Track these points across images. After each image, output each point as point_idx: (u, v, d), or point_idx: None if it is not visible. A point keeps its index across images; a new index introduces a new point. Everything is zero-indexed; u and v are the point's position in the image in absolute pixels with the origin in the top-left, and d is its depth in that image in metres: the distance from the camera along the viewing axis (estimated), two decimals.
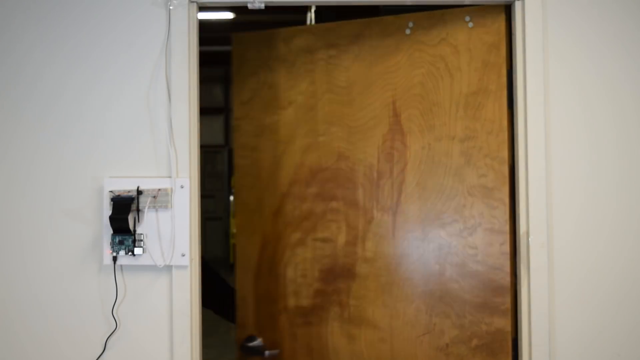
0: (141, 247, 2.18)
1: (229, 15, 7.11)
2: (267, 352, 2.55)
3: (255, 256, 2.63)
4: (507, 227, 2.24)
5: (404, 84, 2.38)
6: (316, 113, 2.52)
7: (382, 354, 2.41)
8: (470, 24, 2.29)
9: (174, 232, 2.18)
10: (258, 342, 2.60)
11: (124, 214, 2.14)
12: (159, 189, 2.18)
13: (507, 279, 2.24)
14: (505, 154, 2.24)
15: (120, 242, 2.17)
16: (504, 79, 2.24)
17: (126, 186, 2.18)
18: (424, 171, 2.36)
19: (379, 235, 2.42)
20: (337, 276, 2.49)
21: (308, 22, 5.74)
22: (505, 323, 2.24)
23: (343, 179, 2.48)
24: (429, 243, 2.35)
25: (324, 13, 4.73)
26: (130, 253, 2.17)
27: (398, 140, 2.39)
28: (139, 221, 2.18)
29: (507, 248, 2.24)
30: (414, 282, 2.37)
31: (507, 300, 2.23)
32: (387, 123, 2.41)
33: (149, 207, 2.18)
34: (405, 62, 2.38)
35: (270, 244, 2.59)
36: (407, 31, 2.38)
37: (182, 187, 2.18)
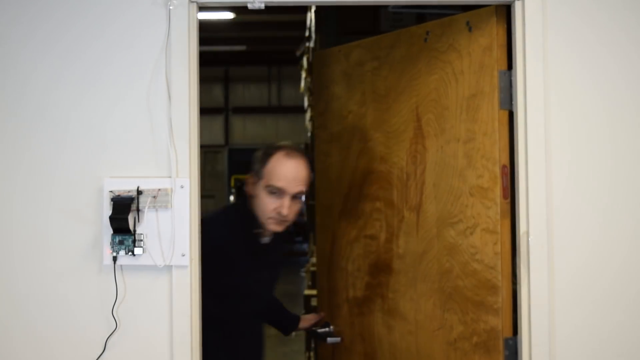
0: (141, 247, 2.18)
1: (229, 15, 7.11)
2: (328, 339, 2.81)
3: (327, 251, 2.93)
4: (499, 227, 2.25)
5: (424, 90, 2.50)
6: (366, 121, 2.73)
7: (410, 346, 2.55)
8: (470, 29, 2.33)
9: (174, 232, 2.18)
10: (328, 329, 2.87)
11: (124, 214, 2.15)
12: (159, 189, 2.18)
13: (499, 278, 2.25)
14: (496, 154, 2.26)
15: (120, 242, 2.17)
16: (496, 80, 2.26)
17: (126, 186, 2.18)
18: (438, 173, 2.45)
19: (407, 233, 2.56)
20: (380, 270, 2.68)
21: (308, 22, 5.75)
22: (497, 322, 2.25)
23: (383, 180, 2.66)
24: (442, 241, 2.43)
25: (324, 13, 4.74)
26: (130, 253, 2.17)
27: (420, 143, 2.52)
28: (139, 221, 2.18)
29: (499, 248, 2.25)
30: (431, 278, 2.47)
31: (499, 300, 2.25)
32: (412, 127, 2.54)
33: (149, 207, 2.18)
34: (424, 70, 2.50)
35: (337, 240, 2.86)
36: (426, 40, 2.50)
37: (182, 187, 2.19)
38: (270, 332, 3.11)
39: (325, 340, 2.85)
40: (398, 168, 2.59)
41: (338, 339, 2.81)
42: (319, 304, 3.03)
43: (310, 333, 2.97)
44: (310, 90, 5.84)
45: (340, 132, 2.84)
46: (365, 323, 2.74)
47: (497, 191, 2.26)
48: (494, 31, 2.27)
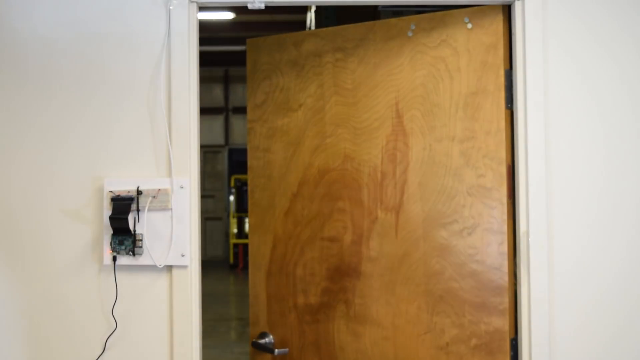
0: (141, 247, 2.18)
1: (229, 15, 7.12)
2: (276, 351, 2.59)
3: (267, 255, 2.69)
4: (505, 227, 2.24)
5: (407, 85, 2.41)
6: (324, 115, 2.57)
7: (386, 352, 2.43)
8: (469, 25, 2.30)
9: (173, 232, 2.18)
10: (269, 339, 2.64)
11: (124, 214, 2.15)
12: (159, 189, 2.18)
13: (505, 279, 2.24)
14: (503, 154, 2.25)
15: (120, 242, 2.18)
16: (502, 79, 2.25)
17: (126, 186, 2.18)
18: (425, 172, 2.38)
19: (383, 234, 2.45)
20: (343, 275, 2.53)
21: (308, 22, 5.75)
22: (504, 323, 2.24)
23: (349, 179, 2.52)
24: (430, 242, 2.36)
25: (323, 13, 4.74)
26: (130, 253, 2.18)
27: (401, 141, 2.42)
28: (139, 221, 2.18)
29: (505, 248, 2.24)
30: (415, 281, 2.39)
31: (506, 300, 2.24)
32: (390, 124, 2.44)
33: (149, 208, 2.18)
34: (407, 64, 2.41)
35: (281, 242, 2.65)
36: (409, 33, 2.41)
37: (182, 187, 2.19)
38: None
39: (272, 352, 2.61)
40: (370, 166, 2.47)
41: (286, 350, 2.60)
42: (251, 314, 2.74)
43: (251, 345, 2.67)
44: None
45: (286, 126, 2.64)
46: (321, 331, 2.57)
47: (504, 191, 2.25)
48: (500, 30, 2.26)
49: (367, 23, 2.51)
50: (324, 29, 2.60)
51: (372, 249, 2.47)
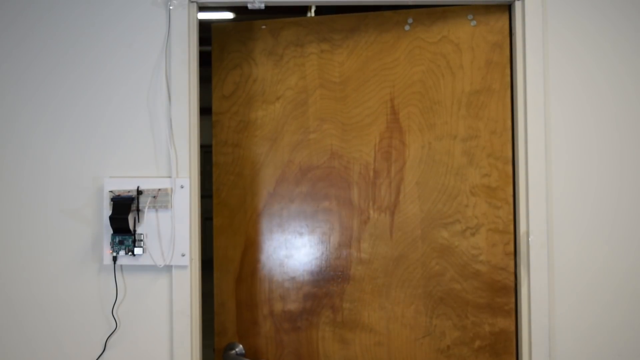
0: (141, 247, 2.17)
1: (229, 15, 7.11)
2: None
3: (237, 259, 2.50)
4: (511, 227, 2.24)
5: (403, 81, 2.35)
6: (307, 109, 2.44)
7: (379, 358, 2.36)
8: (473, 22, 2.28)
9: (174, 232, 2.17)
10: (239, 349, 2.47)
11: (124, 214, 2.13)
12: (159, 189, 2.17)
13: (511, 279, 2.23)
14: (509, 153, 2.24)
15: (120, 242, 2.16)
16: (508, 79, 2.24)
17: (126, 186, 2.17)
18: (424, 170, 2.33)
19: (376, 235, 2.37)
20: (330, 279, 2.42)
21: None
22: (510, 323, 2.24)
23: (336, 177, 2.41)
24: (429, 243, 2.32)
25: (324, 13, 4.73)
26: (130, 253, 2.16)
27: (396, 138, 2.35)
28: (139, 221, 2.17)
29: (511, 248, 2.23)
30: (413, 284, 2.33)
31: (512, 301, 2.23)
32: (384, 121, 2.36)
33: (149, 207, 2.17)
34: (404, 59, 2.35)
35: (254, 245, 2.48)
36: (407, 27, 2.35)
37: (182, 187, 2.18)
38: None
39: None
40: (360, 164, 2.37)
41: None
42: (217, 323, 2.52)
43: (222, 357, 2.47)
44: None
45: (261, 120, 2.47)
46: (302, 339, 2.43)
47: (510, 190, 2.24)
48: (506, 29, 2.25)
49: (358, 14, 2.41)
50: (306, 17, 2.46)
51: (363, 251, 2.38)
